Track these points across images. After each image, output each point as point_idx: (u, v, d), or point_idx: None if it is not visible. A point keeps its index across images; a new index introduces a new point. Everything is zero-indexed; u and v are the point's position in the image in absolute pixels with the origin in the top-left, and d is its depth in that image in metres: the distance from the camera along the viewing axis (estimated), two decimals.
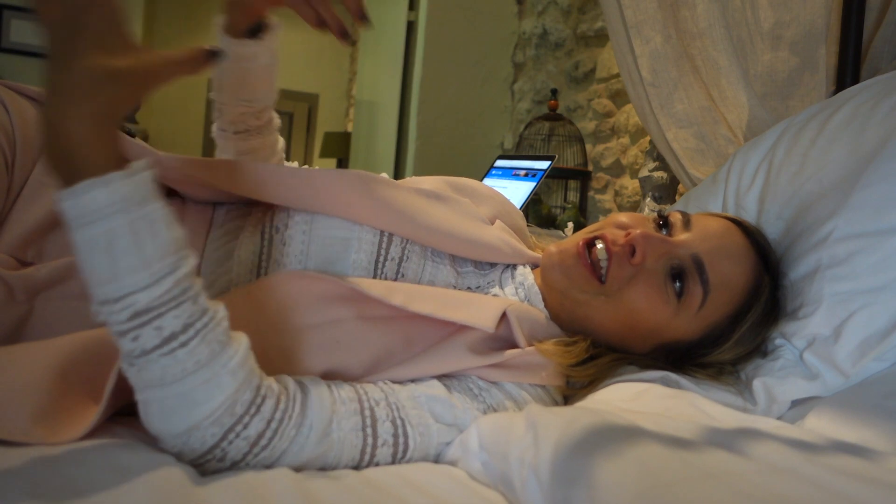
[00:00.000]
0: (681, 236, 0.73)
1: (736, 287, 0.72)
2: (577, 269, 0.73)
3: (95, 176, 0.46)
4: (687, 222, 0.75)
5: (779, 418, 0.71)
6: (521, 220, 0.89)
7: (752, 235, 0.77)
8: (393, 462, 0.61)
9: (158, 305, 0.48)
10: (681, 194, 1.74)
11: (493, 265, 0.83)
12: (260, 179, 0.72)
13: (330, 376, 0.63)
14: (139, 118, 4.32)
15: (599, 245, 0.73)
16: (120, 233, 0.47)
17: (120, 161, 0.48)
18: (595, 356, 0.74)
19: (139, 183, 0.48)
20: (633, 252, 0.71)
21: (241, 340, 0.54)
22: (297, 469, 0.56)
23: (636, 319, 0.72)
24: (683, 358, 0.76)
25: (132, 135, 0.75)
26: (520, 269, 0.81)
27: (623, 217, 0.76)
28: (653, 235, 0.72)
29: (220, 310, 0.53)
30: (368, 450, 0.59)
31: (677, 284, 0.71)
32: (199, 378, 0.50)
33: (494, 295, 0.78)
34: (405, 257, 0.75)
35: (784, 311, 0.78)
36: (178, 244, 0.50)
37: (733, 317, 0.73)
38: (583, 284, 0.73)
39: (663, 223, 0.76)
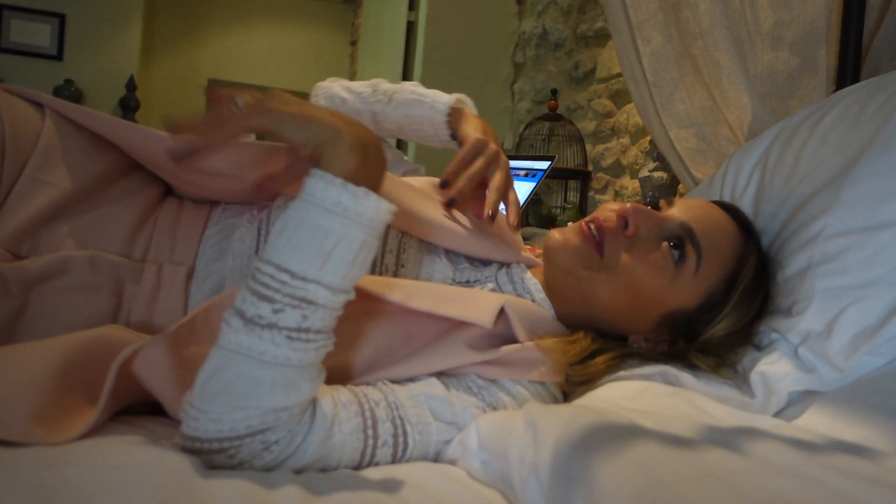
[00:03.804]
0: (667, 212, 0.78)
1: (725, 251, 0.76)
2: (583, 246, 0.76)
3: (376, 193, 0.55)
4: (669, 203, 0.80)
5: (778, 415, 0.72)
6: (508, 227, 0.90)
7: (729, 209, 0.82)
8: (392, 461, 0.61)
9: (321, 304, 0.54)
10: (681, 194, 1.75)
11: (486, 264, 0.84)
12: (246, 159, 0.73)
13: (330, 373, 0.63)
14: (139, 118, 4.33)
15: (592, 226, 0.77)
16: (353, 241, 0.54)
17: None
18: (595, 352, 0.74)
19: (386, 221, 0.56)
20: (625, 225, 0.75)
21: (324, 372, 0.58)
22: (298, 471, 0.57)
23: (637, 288, 0.74)
24: (685, 331, 0.77)
25: None
26: (514, 266, 0.83)
27: (612, 205, 0.79)
28: (642, 208, 0.76)
29: (333, 338, 0.57)
30: (369, 451, 0.59)
31: (674, 251, 0.74)
32: (290, 374, 0.53)
33: (492, 290, 0.79)
34: (402, 249, 0.77)
35: (773, 279, 0.81)
36: (360, 278, 0.57)
37: (727, 281, 0.76)
38: (586, 260, 0.76)
39: (652, 207, 0.80)
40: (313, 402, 0.58)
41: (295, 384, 0.53)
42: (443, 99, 0.95)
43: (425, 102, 0.96)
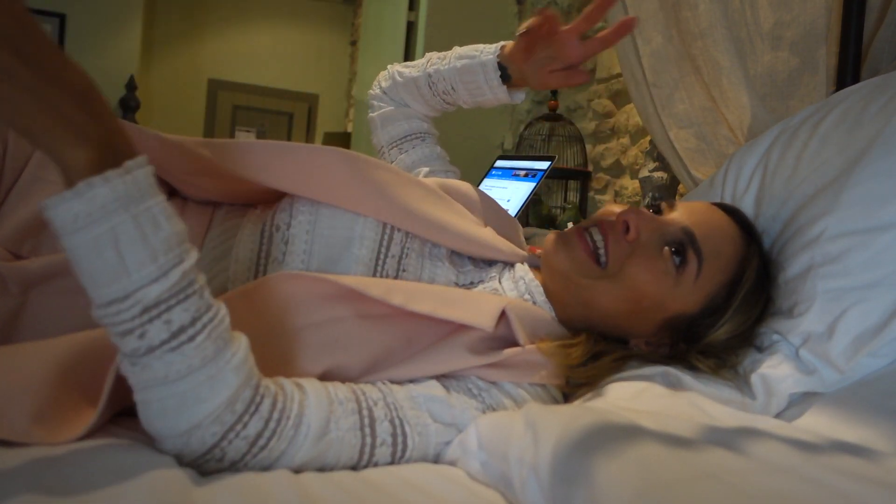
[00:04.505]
0: (668, 215, 0.78)
1: (726, 256, 0.76)
2: (578, 252, 0.75)
3: (91, 175, 0.45)
4: (671, 206, 0.80)
5: (778, 416, 0.72)
6: (513, 229, 0.90)
7: (731, 212, 0.81)
8: (392, 462, 0.61)
9: (168, 298, 0.48)
10: (681, 195, 1.74)
11: (490, 264, 0.84)
12: (248, 158, 0.73)
13: (329, 376, 0.63)
14: (139, 118, 4.33)
15: (594, 229, 0.76)
16: (125, 228, 0.46)
17: (114, 158, 0.47)
18: (596, 355, 0.74)
19: (138, 178, 0.48)
20: (627, 229, 0.74)
21: (242, 338, 0.54)
22: (296, 470, 0.56)
23: (639, 293, 0.74)
24: (687, 335, 0.77)
25: None
26: (518, 266, 0.82)
27: (614, 207, 0.79)
28: (644, 212, 0.76)
29: (222, 306, 0.53)
30: (367, 450, 0.59)
31: (675, 257, 0.74)
32: (203, 374, 0.50)
33: (493, 289, 0.79)
34: (405, 255, 0.76)
35: (774, 280, 0.81)
36: (181, 237, 0.50)
37: (729, 285, 0.75)
38: (584, 268, 0.75)
39: (652, 210, 0.80)
40: (302, 392, 0.57)
41: (215, 379, 0.51)
42: (491, 46, 0.96)
43: (476, 49, 0.96)
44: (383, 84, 1.07)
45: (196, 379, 0.50)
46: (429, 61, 1.01)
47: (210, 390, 0.51)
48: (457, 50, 0.99)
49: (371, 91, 1.10)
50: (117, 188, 0.46)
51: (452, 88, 0.99)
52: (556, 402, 0.74)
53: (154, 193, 0.49)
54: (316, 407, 0.57)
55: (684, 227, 0.75)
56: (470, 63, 0.95)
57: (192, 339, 0.49)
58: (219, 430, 0.52)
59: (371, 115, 1.08)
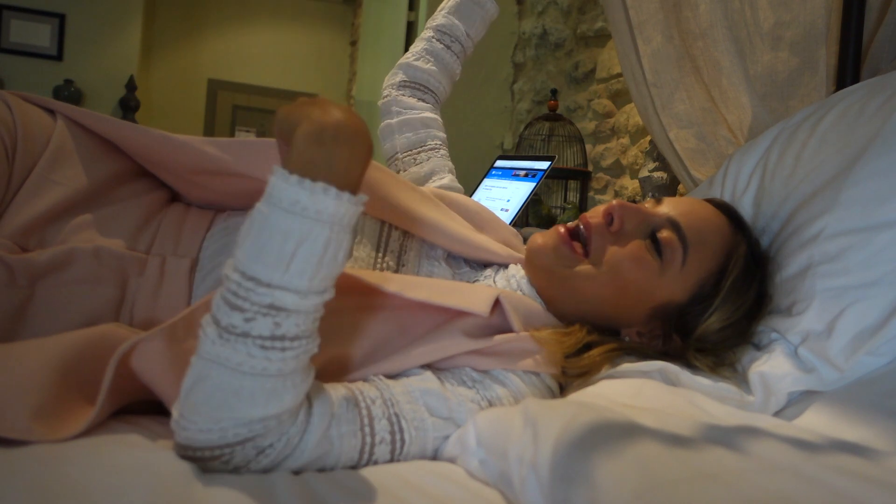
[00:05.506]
0: (655, 209, 0.79)
1: (713, 244, 0.77)
2: (560, 247, 0.77)
3: (334, 186, 0.50)
4: (658, 201, 0.81)
5: (777, 415, 0.72)
6: (512, 237, 0.91)
7: (718, 205, 0.83)
8: (391, 459, 0.61)
9: (291, 310, 0.51)
10: (681, 195, 1.75)
11: (486, 266, 0.85)
12: (248, 155, 0.74)
13: (328, 365, 0.64)
14: (139, 118, 4.33)
15: (573, 225, 0.79)
16: (316, 240, 0.50)
17: (355, 187, 0.53)
18: (591, 345, 0.75)
19: (354, 214, 0.52)
20: (611, 221, 0.76)
21: (312, 371, 0.56)
22: (297, 471, 0.56)
23: (624, 279, 0.75)
24: (678, 325, 0.78)
25: None
26: (511, 266, 0.84)
27: (600, 207, 0.80)
28: (628, 204, 0.77)
29: (317, 341, 0.55)
30: (367, 448, 0.60)
31: (658, 243, 0.75)
32: (269, 383, 0.51)
33: (488, 285, 0.80)
34: (404, 250, 0.78)
35: (766, 272, 0.81)
36: (337, 276, 0.54)
37: (717, 273, 0.76)
38: (565, 259, 0.77)
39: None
40: (309, 401, 0.58)
41: (276, 393, 0.52)
42: None
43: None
44: (391, 81, 1.11)
45: (261, 384, 0.51)
46: (419, 41, 1.12)
47: (265, 399, 0.51)
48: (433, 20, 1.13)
49: (382, 100, 1.11)
50: (340, 209, 0.51)
51: (465, 34, 1.11)
52: (551, 392, 0.75)
53: (352, 231, 0.53)
54: (319, 411, 0.57)
55: (669, 217, 0.77)
56: (456, 2, 1.11)
57: (283, 349, 0.51)
58: (243, 434, 0.52)
59: (388, 121, 1.08)
